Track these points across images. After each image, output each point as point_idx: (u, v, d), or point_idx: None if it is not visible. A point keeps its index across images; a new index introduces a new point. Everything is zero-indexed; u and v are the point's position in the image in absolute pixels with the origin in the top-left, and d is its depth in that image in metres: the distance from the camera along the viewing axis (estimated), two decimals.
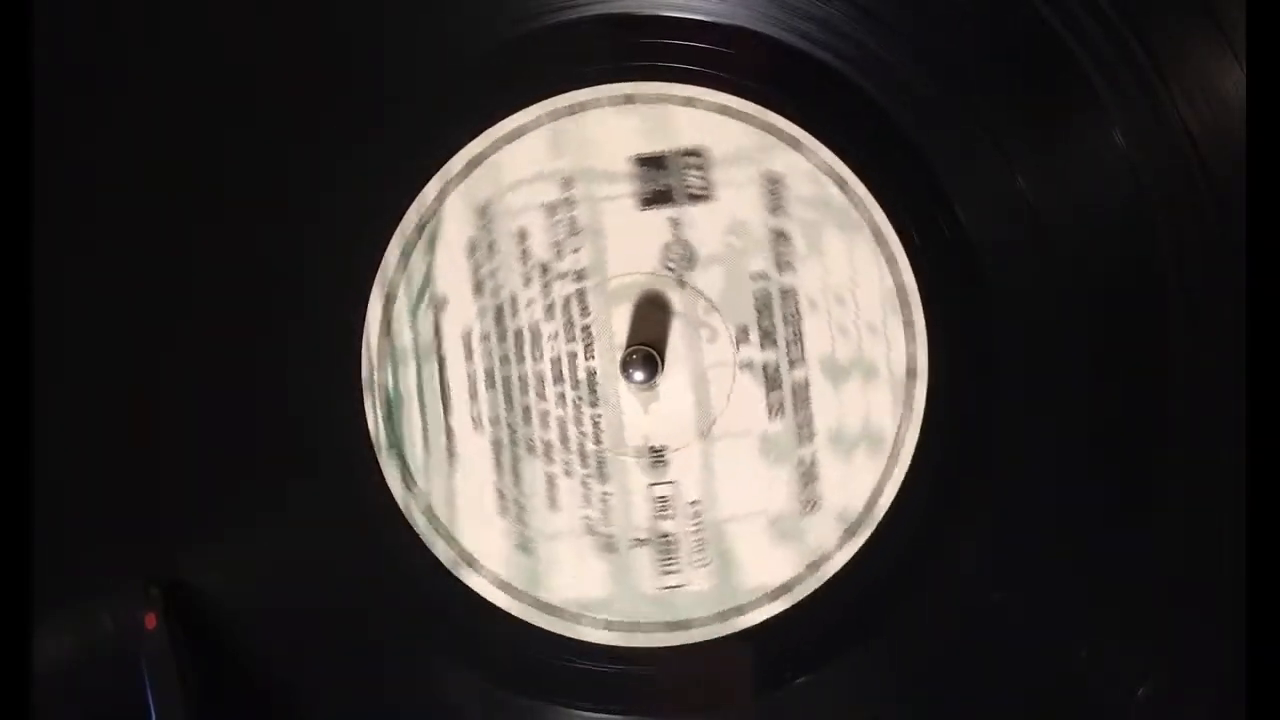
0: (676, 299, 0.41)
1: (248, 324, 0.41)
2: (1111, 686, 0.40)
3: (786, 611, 0.41)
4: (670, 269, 0.41)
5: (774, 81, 0.40)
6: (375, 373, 0.41)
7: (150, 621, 0.39)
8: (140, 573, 0.41)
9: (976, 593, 0.40)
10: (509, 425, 0.41)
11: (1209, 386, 0.39)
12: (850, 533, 0.40)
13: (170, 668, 0.39)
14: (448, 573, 0.41)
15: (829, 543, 0.41)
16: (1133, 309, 0.40)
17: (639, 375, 0.40)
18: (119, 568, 0.41)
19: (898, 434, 0.40)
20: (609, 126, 0.41)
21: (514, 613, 0.41)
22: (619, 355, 0.40)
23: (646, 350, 0.40)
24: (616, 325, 0.41)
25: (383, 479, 0.41)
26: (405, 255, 0.41)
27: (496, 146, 0.41)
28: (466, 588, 0.41)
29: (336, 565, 0.41)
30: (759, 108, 0.40)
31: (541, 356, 0.41)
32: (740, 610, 0.41)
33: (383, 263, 0.41)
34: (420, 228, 0.41)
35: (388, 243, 0.41)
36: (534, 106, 0.41)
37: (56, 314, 0.40)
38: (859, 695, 0.41)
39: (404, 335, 0.41)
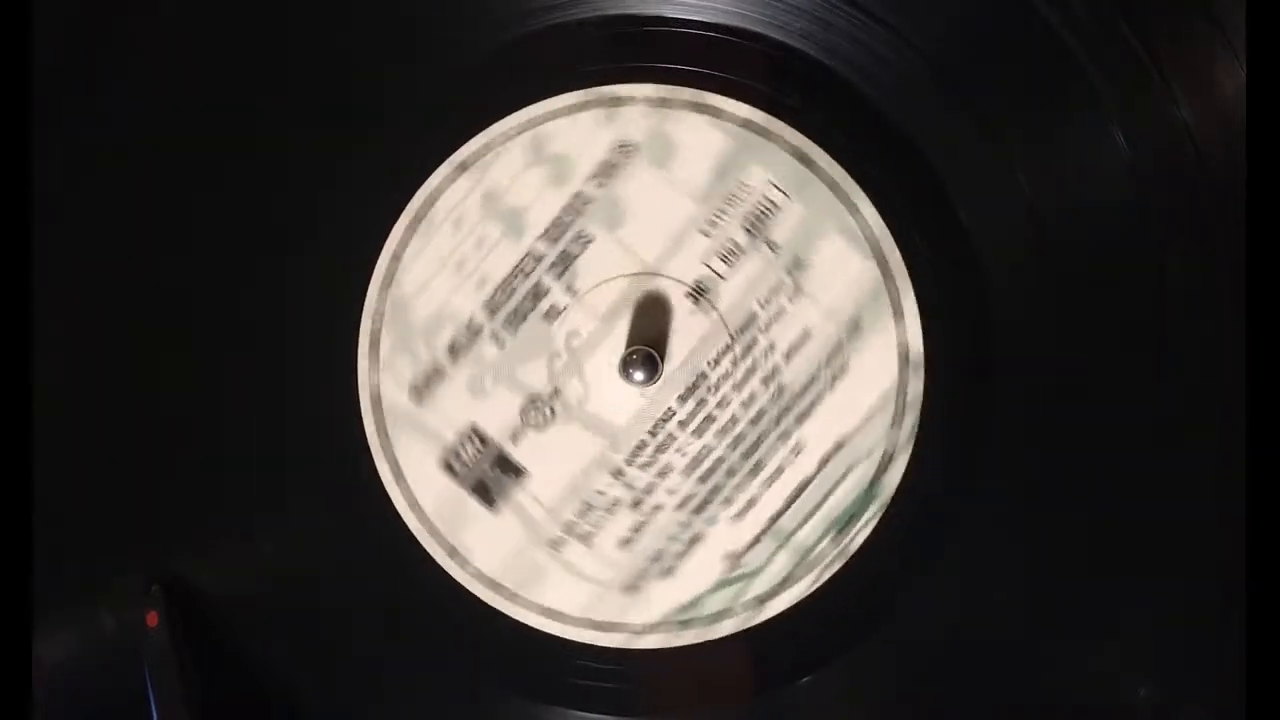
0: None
1: (247, 324, 0.41)
2: (1111, 686, 0.40)
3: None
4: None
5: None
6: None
7: (151, 620, 0.39)
8: (140, 572, 0.41)
9: (976, 594, 0.40)
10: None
11: (1209, 386, 0.39)
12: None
13: (171, 666, 0.39)
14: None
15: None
16: (1133, 309, 0.40)
17: (639, 375, 0.40)
18: (119, 568, 0.41)
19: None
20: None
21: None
22: (618, 359, 0.40)
23: (647, 351, 0.40)
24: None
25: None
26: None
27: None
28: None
29: (336, 564, 0.41)
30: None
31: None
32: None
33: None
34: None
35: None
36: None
37: (56, 314, 0.40)
38: (859, 695, 0.41)
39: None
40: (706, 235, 0.41)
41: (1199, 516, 0.39)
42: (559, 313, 0.41)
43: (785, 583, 0.41)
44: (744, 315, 0.41)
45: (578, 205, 0.41)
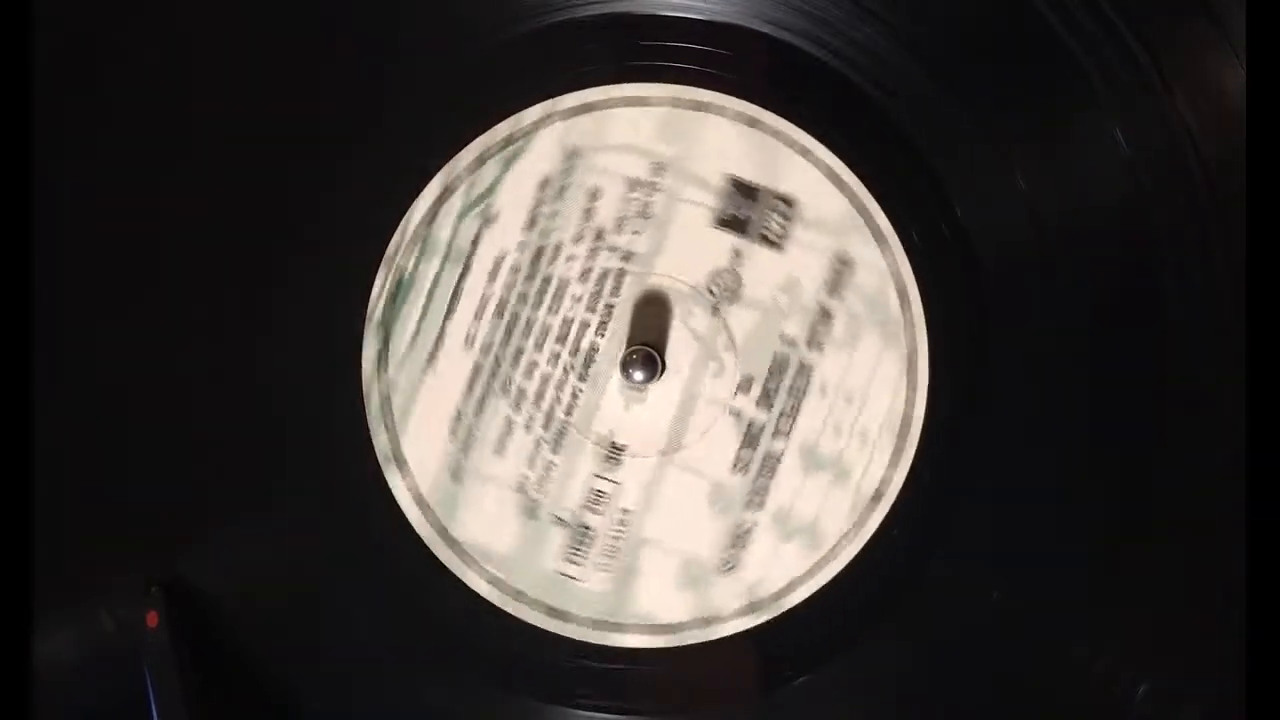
0: (700, 322, 0.41)
1: (247, 324, 0.41)
2: (1111, 686, 0.40)
3: (661, 651, 0.41)
4: (712, 293, 0.41)
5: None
6: (401, 252, 0.41)
7: (151, 620, 0.39)
8: (140, 573, 0.41)
9: (975, 593, 0.40)
10: (496, 357, 0.41)
11: (1209, 386, 0.39)
12: (751, 609, 0.41)
13: (171, 666, 0.39)
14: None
15: (727, 608, 0.41)
16: (1133, 309, 0.40)
17: (639, 375, 0.40)
18: (119, 568, 0.41)
19: (837, 544, 0.40)
20: (723, 139, 0.41)
21: (421, 533, 0.41)
22: (621, 352, 0.40)
23: (647, 351, 0.40)
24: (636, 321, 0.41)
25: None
26: (481, 160, 0.41)
27: (613, 105, 0.41)
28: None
29: (335, 564, 0.41)
30: (861, 186, 0.41)
31: (557, 311, 0.41)
32: (619, 628, 0.41)
33: (456, 158, 0.41)
34: (508, 141, 0.41)
35: (469, 142, 0.41)
36: (661, 87, 0.41)
37: (56, 314, 0.40)
38: (859, 695, 0.41)
39: (444, 230, 0.41)
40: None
41: (1199, 516, 0.39)
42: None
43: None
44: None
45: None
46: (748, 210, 0.41)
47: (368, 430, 0.41)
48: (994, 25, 0.40)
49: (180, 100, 0.41)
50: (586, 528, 0.41)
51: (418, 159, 0.41)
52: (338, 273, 0.41)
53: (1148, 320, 0.40)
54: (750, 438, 0.41)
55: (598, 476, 0.41)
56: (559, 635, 0.41)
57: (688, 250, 0.41)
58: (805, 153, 0.41)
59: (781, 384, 0.41)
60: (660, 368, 0.40)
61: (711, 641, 0.41)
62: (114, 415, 0.41)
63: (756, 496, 0.41)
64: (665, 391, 0.41)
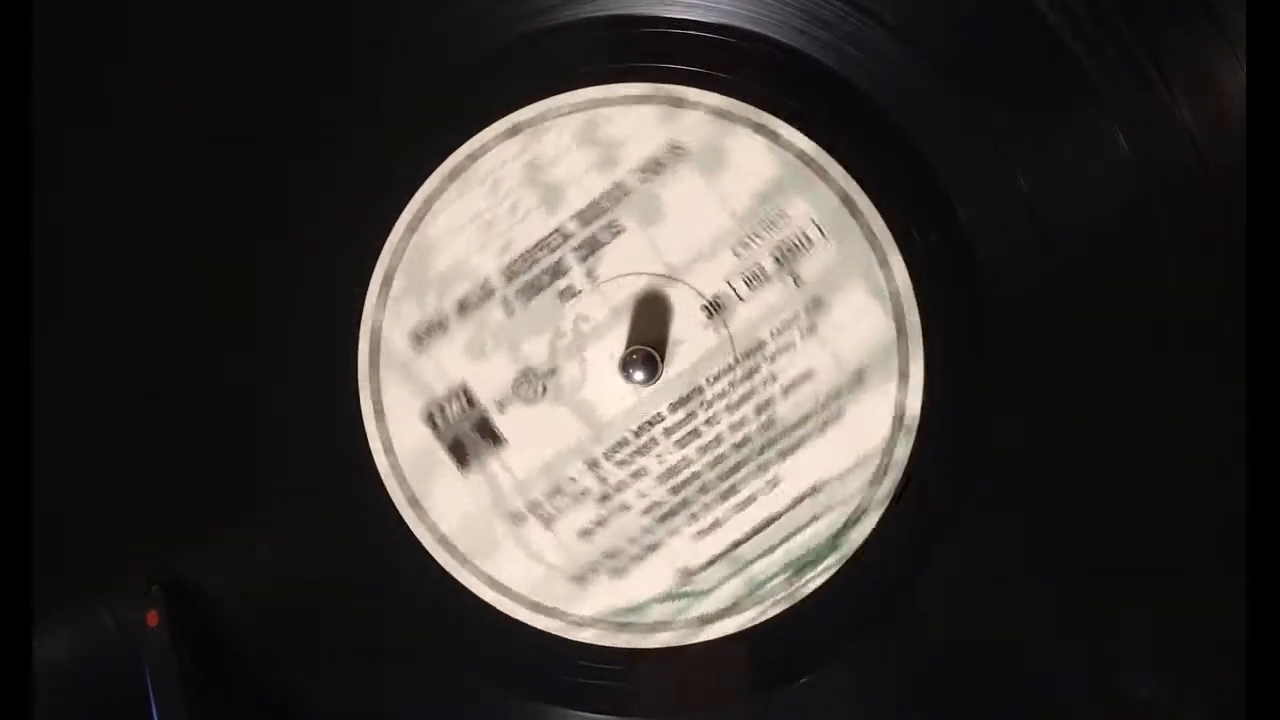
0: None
1: (247, 324, 0.41)
2: (1111, 687, 0.40)
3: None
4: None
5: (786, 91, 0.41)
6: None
7: (152, 619, 0.39)
8: (140, 572, 0.41)
9: (975, 594, 0.40)
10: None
11: (1209, 386, 0.39)
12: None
13: (171, 666, 0.39)
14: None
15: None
16: (1133, 309, 0.40)
17: (639, 375, 0.40)
18: (119, 568, 0.41)
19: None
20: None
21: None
22: (618, 359, 0.40)
23: (647, 350, 0.40)
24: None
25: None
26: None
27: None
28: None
29: (336, 565, 0.41)
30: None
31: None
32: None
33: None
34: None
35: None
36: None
37: (56, 314, 0.40)
38: (859, 695, 0.41)
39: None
40: (736, 255, 0.41)
41: (1199, 516, 0.39)
42: (574, 294, 0.41)
43: (731, 609, 0.41)
44: (753, 341, 0.41)
45: (617, 194, 0.41)
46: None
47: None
48: (994, 25, 0.40)
49: (180, 101, 0.41)
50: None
51: (417, 158, 0.41)
52: (337, 272, 0.41)
53: (1148, 320, 0.40)
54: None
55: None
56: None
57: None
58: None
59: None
60: (659, 368, 0.40)
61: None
62: (114, 415, 0.41)
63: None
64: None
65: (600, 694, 0.41)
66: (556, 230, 0.41)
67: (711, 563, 0.41)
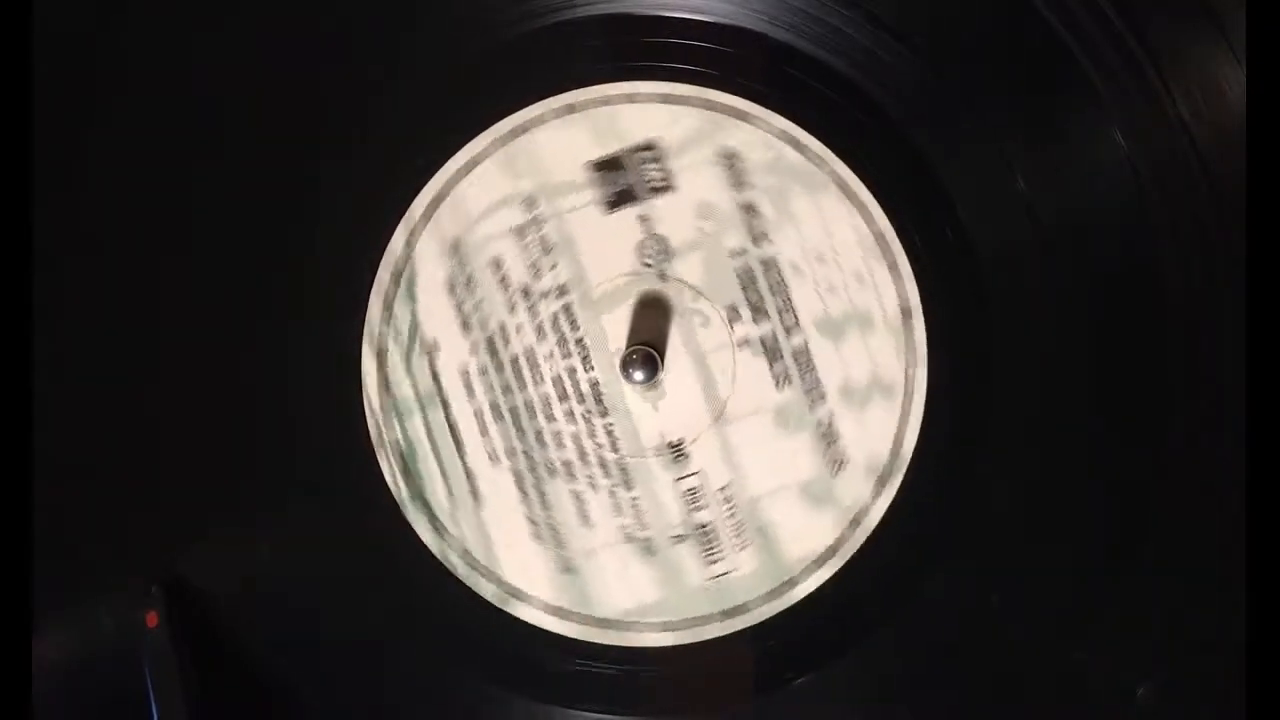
0: (668, 294, 0.41)
1: (247, 323, 0.41)
2: (1111, 686, 0.40)
3: (835, 575, 0.41)
4: (649, 265, 0.41)
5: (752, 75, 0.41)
6: (384, 430, 0.41)
7: (151, 620, 0.39)
8: (140, 573, 0.41)
9: (975, 593, 0.40)
10: (525, 454, 0.41)
11: (1209, 386, 0.39)
12: (882, 482, 0.40)
13: (171, 666, 0.39)
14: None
15: (864, 496, 0.40)
16: (1132, 309, 0.40)
17: (639, 375, 0.40)
18: (119, 568, 0.41)
19: (906, 377, 0.40)
20: (558, 139, 0.41)
21: (569, 634, 0.41)
22: (618, 360, 0.40)
23: (646, 350, 0.40)
24: (610, 332, 0.41)
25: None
26: (388, 308, 0.41)
27: (454, 182, 0.41)
28: (513, 618, 0.41)
29: (336, 565, 0.41)
30: (699, 89, 0.41)
31: (542, 379, 0.41)
32: (791, 583, 0.41)
33: (367, 319, 0.41)
34: (396, 278, 0.41)
35: (368, 298, 0.41)
36: (481, 136, 0.41)
37: (56, 314, 0.40)
38: (859, 695, 0.41)
39: (403, 386, 0.41)
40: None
41: (1199, 516, 0.39)
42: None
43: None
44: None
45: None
46: (624, 179, 0.41)
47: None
48: (994, 25, 0.40)
49: (180, 100, 0.41)
50: (702, 526, 0.41)
51: (416, 158, 0.41)
52: (338, 275, 0.41)
53: (1148, 320, 0.40)
54: (771, 351, 0.41)
55: (679, 480, 0.41)
56: (735, 632, 0.41)
57: (604, 248, 0.41)
58: (631, 99, 0.41)
59: (761, 290, 0.41)
60: (659, 367, 0.40)
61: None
62: (115, 415, 0.41)
63: (813, 392, 0.41)
64: (678, 372, 0.41)
65: (601, 693, 0.41)
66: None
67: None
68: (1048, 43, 0.39)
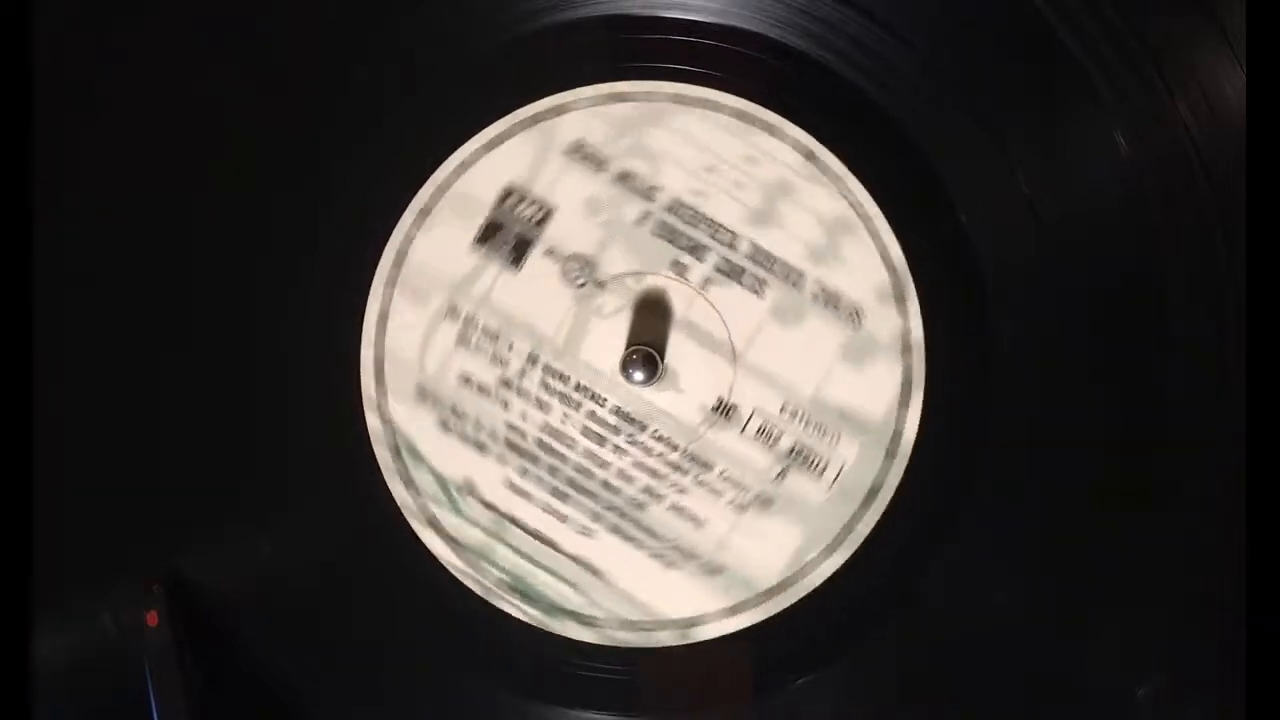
0: (608, 301, 0.41)
1: (247, 323, 0.41)
2: (1111, 686, 0.40)
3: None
4: (582, 284, 0.41)
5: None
6: (483, 580, 0.41)
7: (152, 619, 0.39)
8: (140, 572, 0.41)
9: (976, 593, 0.40)
10: (608, 509, 0.41)
11: (1209, 386, 0.39)
12: (899, 300, 0.41)
13: (172, 665, 0.39)
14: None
15: (891, 335, 0.41)
16: (1133, 309, 0.40)
17: (639, 375, 0.40)
18: (119, 568, 0.41)
19: (851, 205, 0.41)
20: (434, 240, 0.41)
21: (754, 622, 0.41)
22: (619, 373, 0.40)
23: (645, 350, 0.40)
24: (596, 360, 0.41)
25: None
26: (409, 484, 0.41)
27: (381, 339, 0.41)
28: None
29: (336, 564, 0.41)
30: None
31: (574, 440, 0.41)
32: (897, 437, 0.41)
33: (400, 501, 0.41)
34: (397, 451, 0.41)
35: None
36: (375, 282, 0.41)
37: (56, 314, 0.40)
38: (859, 695, 0.41)
39: (471, 534, 0.41)
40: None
41: (1199, 516, 0.39)
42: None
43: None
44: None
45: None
46: (511, 234, 0.41)
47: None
48: (994, 25, 0.40)
49: (179, 101, 0.41)
50: (791, 450, 0.41)
51: (415, 159, 0.41)
52: (337, 271, 0.41)
53: (1148, 320, 0.40)
54: (733, 272, 0.41)
55: (743, 430, 0.41)
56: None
57: (537, 299, 0.41)
58: (462, 168, 0.41)
59: (684, 231, 0.41)
60: (660, 363, 0.40)
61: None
62: (115, 415, 0.41)
63: (792, 278, 0.41)
64: (676, 347, 0.41)
65: (601, 693, 0.41)
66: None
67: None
68: (1048, 43, 0.39)
